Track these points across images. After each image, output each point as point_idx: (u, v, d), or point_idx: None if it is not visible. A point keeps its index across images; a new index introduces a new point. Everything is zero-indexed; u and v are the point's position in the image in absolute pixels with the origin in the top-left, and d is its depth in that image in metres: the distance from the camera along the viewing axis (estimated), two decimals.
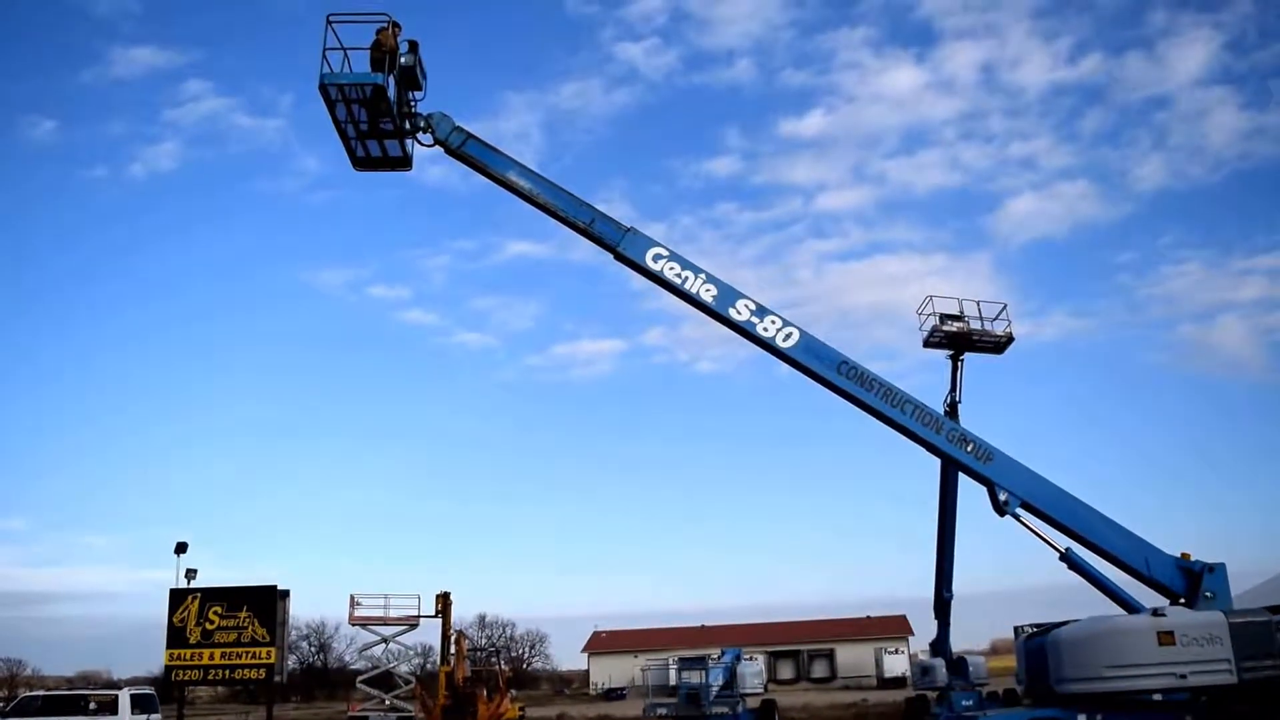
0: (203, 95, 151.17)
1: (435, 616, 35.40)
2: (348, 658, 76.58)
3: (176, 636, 32.77)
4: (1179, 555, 17.11)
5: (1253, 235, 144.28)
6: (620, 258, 17.58)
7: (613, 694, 69.80)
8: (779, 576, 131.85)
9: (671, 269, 17.45)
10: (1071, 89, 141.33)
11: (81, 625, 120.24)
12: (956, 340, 23.02)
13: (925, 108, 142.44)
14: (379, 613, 37.54)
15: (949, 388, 23.39)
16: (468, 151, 17.67)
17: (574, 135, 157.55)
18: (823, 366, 17.38)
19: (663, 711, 31.09)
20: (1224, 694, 15.89)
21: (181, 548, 34.75)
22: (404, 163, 18.49)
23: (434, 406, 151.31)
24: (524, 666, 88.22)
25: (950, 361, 23.44)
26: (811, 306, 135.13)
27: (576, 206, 17.69)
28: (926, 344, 23.14)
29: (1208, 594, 16.49)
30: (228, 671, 32.91)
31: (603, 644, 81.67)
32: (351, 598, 37.48)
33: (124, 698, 26.60)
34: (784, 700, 41.76)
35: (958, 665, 24.63)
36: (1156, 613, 16.23)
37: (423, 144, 17.95)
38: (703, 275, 17.48)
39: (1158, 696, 16.28)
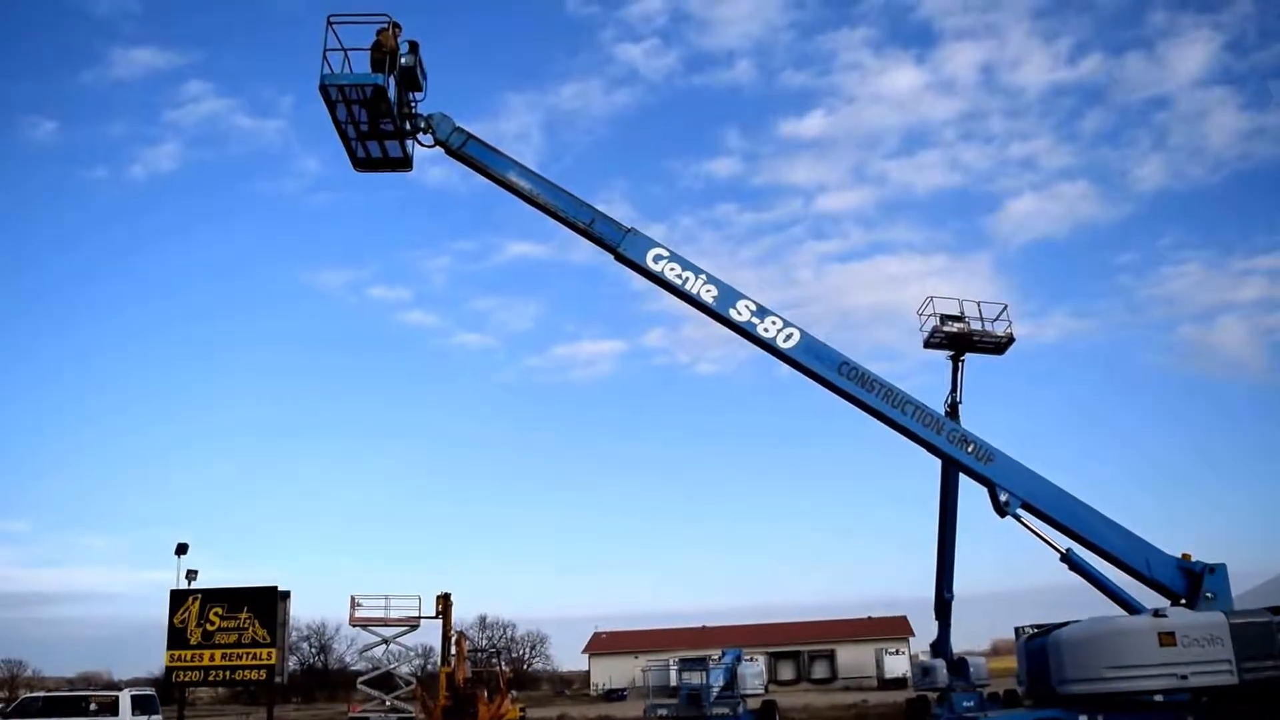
0: (203, 96, 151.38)
1: (436, 617, 35.38)
2: (348, 659, 76.52)
3: (177, 637, 32.76)
4: (1180, 556, 17.12)
5: (1253, 236, 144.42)
6: (621, 258, 17.59)
7: (613, 695, 69.79)
8: (780, 577, 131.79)
9: (672, 270, 17.46)
10: (1071, 89, 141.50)
11: (82, 626, 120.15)
12: (957, 341, 23.01)
13: (925, 108, 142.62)
14: (379, 614, 37.53)
15: (949, 388, 23.38)
16: (468, 152, 17.68)
17: (574, 136, 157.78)
18: (823, 367, 17.39)
19: (663, 712, 31.09)
20: (1225, 695, 15.90)
21: (182, 549, 34.77)
22: (404, 163, 18.51)
23: (434, 407, 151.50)
24: (524, 667, 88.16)
25: (951, 362, 23.42)
26: (812, 307, 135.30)
27: (577, 207, 17.70)
28: (927, 345, 23.13)
29: (1208, 595, 16.50)
30: (228, 672, 32.89)
31: (603, 645, 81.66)
32: (352, 599, 37.49)
33: (124, 699, 26.60)
34: (784, 701, 41.75)
35: (958, 666, 24.60)
36: (1157, 613, 16.25)
37: (423, 145, 17.97)
38: (703, 276, 17.48)
39: (1159, 697, 16.30)
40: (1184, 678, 15.53)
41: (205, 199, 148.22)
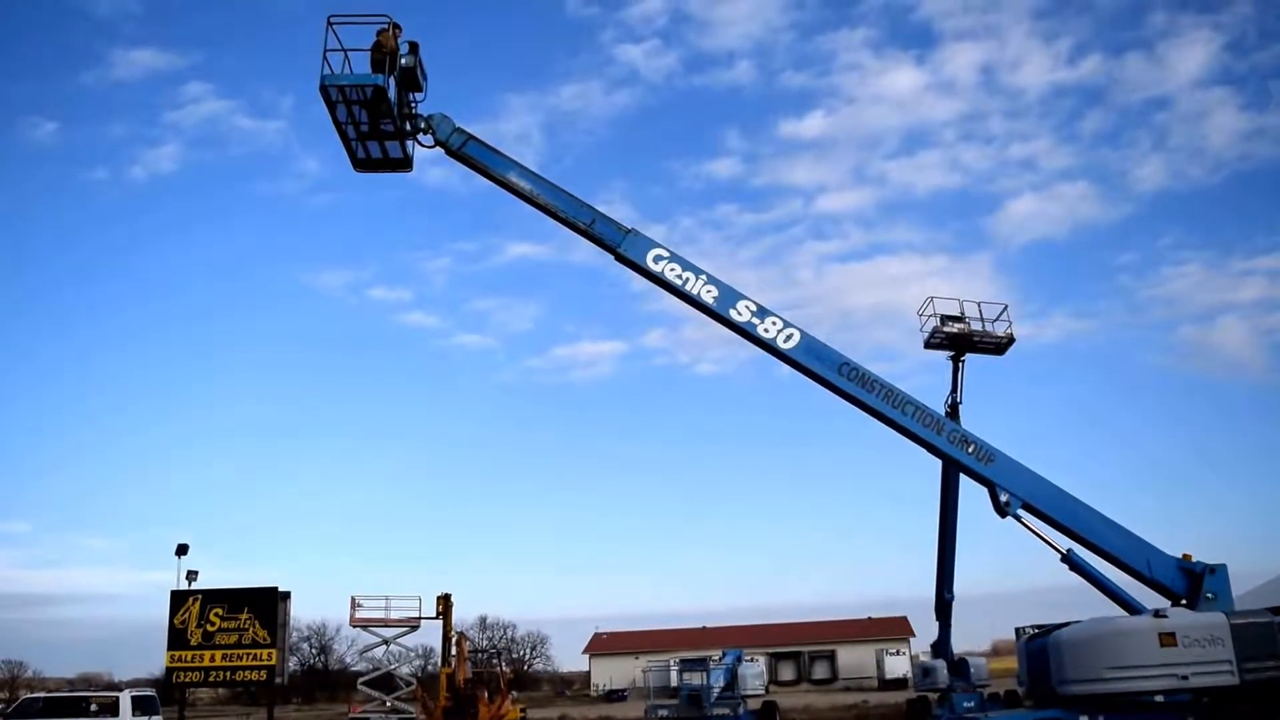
0: (203, 97, 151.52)
1: (436, 618, 35.43)
2: (349, 659, 76.62)
3: (177, 638, 32.79)
4: (1180, 556, 17.10)
5: (1253, 236, 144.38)
6: (621, 259, 17.59)
7: (614, 695, 69.80)
8: (780, 578, 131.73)
9: (672, 270, 17.45)
10: (1071, 90, 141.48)
11: (82, 627, 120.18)
12: (957, 341, 23.01)
13: (925, 109, 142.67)
14: (380, 614, 37.59)
15: (950, 389, 23.39)
16: (468, 153, 17.68)
17: (574, 137, 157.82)
18: (824, 368, 17.38)
19: (664, 713, 31.10)
20: (1226, 695, 15.88)
21: (182, 549, 34.80)
22: (404, 164, 18.51)
23: (434, 408, 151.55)
24: (525, 668, 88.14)
25: (951, 363, 23.43)
26: (812, 308, 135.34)
27: (577, 208, 17.70)
28: (927, 345, 23.13)
29: (1209, 595, 16.48)
30: (229, 673, 32.93)
31: (604, 645, 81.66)
32: (352, 599, 37.54)
33: (125, 699, 26.59)
34: (785, 702, 41.75)
35: (959, 666, 24.59)
36: (1158, 614, 16.23)
37: (423, 145, 17.97)
38: (704, 276, 17.48)
39: (1159, 698, 16.29)
40: (1185, 678, 15.51)
41: (205, 200, 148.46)
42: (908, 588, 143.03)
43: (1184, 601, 16.71)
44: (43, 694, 30.90)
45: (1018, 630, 20.01)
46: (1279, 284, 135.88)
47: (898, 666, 65.52)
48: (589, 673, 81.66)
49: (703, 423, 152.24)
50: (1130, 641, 15.87)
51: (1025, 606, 74.14)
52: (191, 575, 34.12)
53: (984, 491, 17.59)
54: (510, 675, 42.09)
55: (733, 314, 17.36)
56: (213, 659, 32.52)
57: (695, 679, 31.02)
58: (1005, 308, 23.15)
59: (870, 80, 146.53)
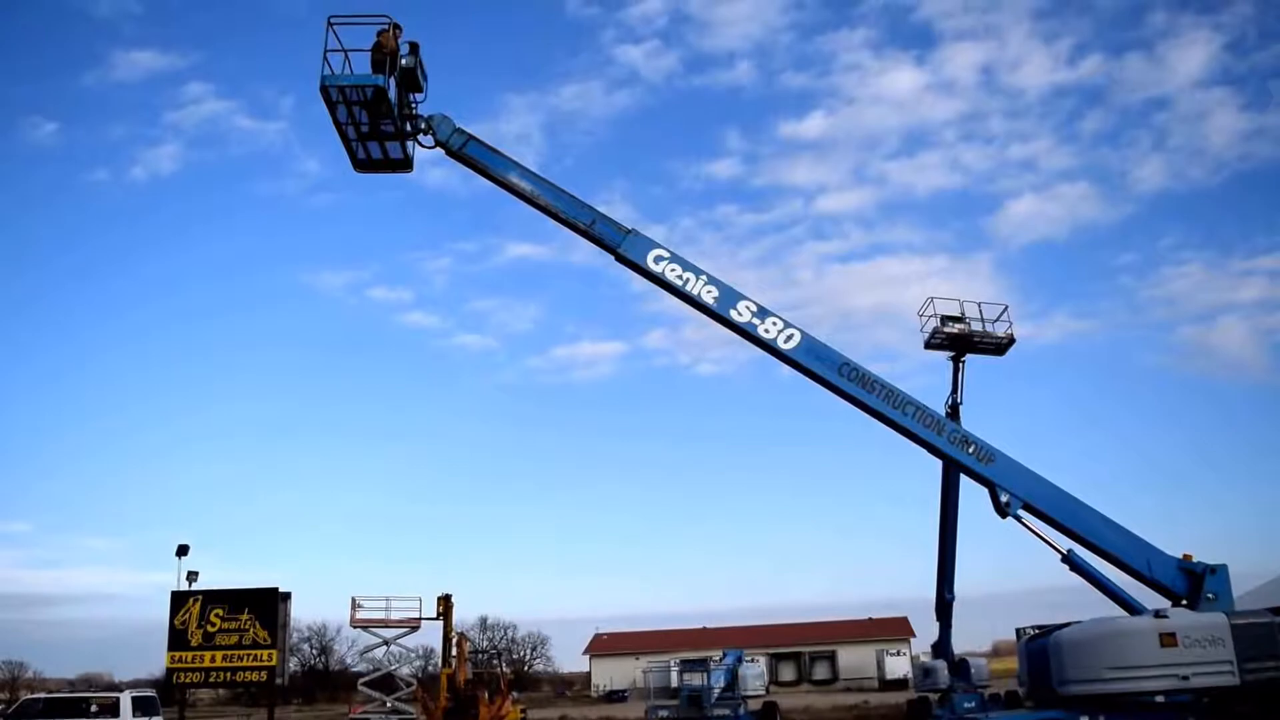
0: (203, 97, 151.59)
1: (436, 619, 35.41)
2: (349, 660, 76.55)
3: (178, 639, 32.77)
4: (1181, 556, 17.10)
5: (1253, 236, 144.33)
6: (621, 259, 17.59)
7: (614, 696, 69.79)
8: (780, 578, 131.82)
9: (673, 271, 17.46)
10: (1071, 90, 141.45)
11: (83, 628, 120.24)
12: (958, 342, 23.02)
13: (925, 109, 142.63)
14: (380, 615, 37.53)
15: (950, 389, 23.40)
16: (469, 153, 17.69)
17: (575, 137, 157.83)
18: (824, 368, 17.38)
19: (664, 714, 31.08)
20: (1226, 695, 15.88)
21: (183, 550, 34.76)
22: (405, 164, 18.52)
23: (435, 408, 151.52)
24: (525, 669, 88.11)
25: (951, 363, 23.44)
26: (812, 308, 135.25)
27: (577, 208, 17.71)
28: (928, 345, 23.14)
29: (1210, 595, 16.48)
30: (229, 674, 32.91)
31: (604, 646, 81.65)
32: (353, 600, 37.50)
33: (125, 700, 26.57)
34: (786, 702, 41.73)
35: (959, 667, 24.57)
36: (1158, 614, 16.23)
37: (424, 146, 17.99)
38: (704, 277, 17.48)
39: (1160, 698, 16.30)
40: (1185, 679, 15.51)
41: (206, 200, 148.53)
42: (908, 588, 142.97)
43: (1184, 602, 16.70)
44: (43, 695, 30.87)
45: (1018, 631, 20.07)
46: (1279, 284, 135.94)
47: (898, 667, 65.50)
48: (589, 673, 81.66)
49: (703, 423, 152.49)
50: (1131, 642, 15.87)
51: (1026, 607, 74.21)
52: (192, 576, 34.11)
53: (984, 492, 17.59)
54: (511, 676, 42.13)
55: (733, 314, 17.36)
56: (213, 660, 32.51)
57: (696, 680, 30.98)
58: (1005, 308, 23.19)
59: (870, 80, 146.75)
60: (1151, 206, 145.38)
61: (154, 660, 50.72)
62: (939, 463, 20.52)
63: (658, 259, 17.48)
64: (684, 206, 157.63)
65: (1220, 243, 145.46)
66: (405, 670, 41.41)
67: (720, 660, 34.15)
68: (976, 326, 22.88)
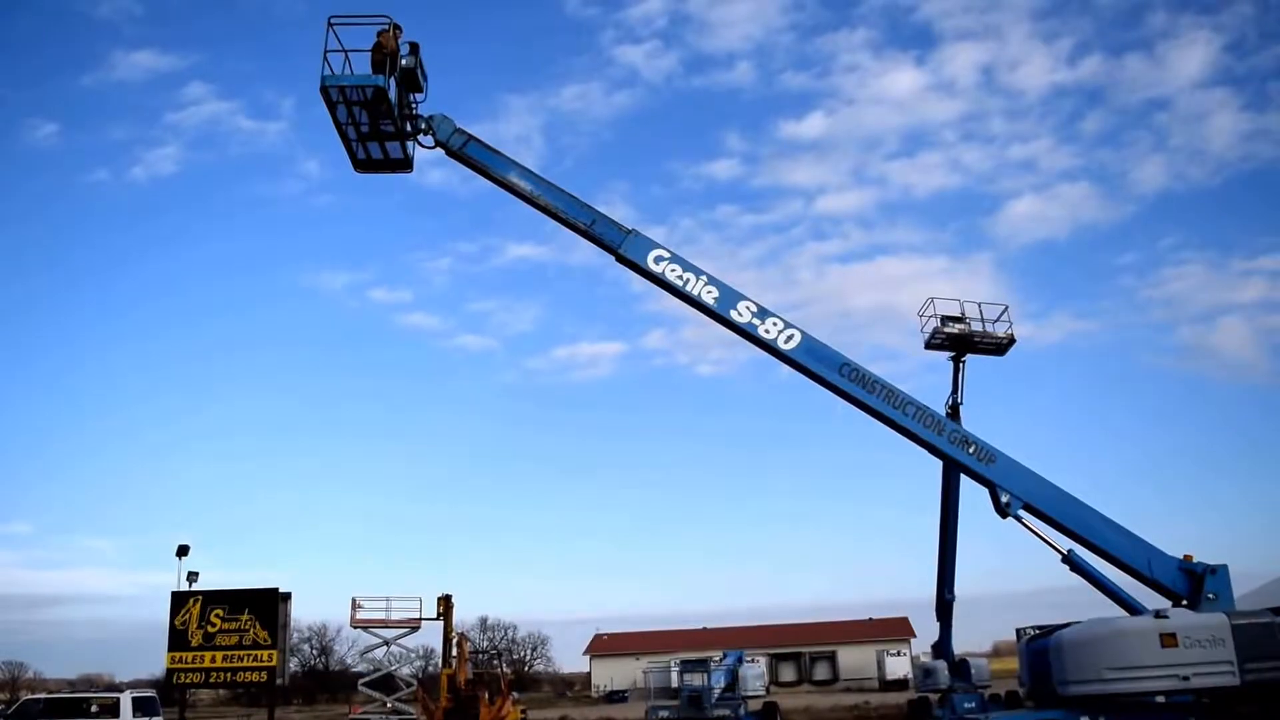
0: (204, 99, 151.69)
1: (437, 619, 35.40)
2: (349, 660, 76.56)
3: (178, 639, 32.76)
4: (1181, 557, 17.10)
5: (1254, 237, 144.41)
6: (622, 260, 17.60)
7: (615, 696, 69.77)
8: (781, 578, 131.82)
9: (673, 271, 17.47)
10: (1072, 91, 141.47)
11: (83, 628, 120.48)
12: (958, 342, 22.96)
13: (925, 110, 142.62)
14: (380, 615, 37.52)
15: (951, 389, 23.34)
16: (469, 154, 17.70)
17: (575, 138, 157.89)
18: (824, 368, 17.38)
19: (665, 714, 31.03)
20: (1227, 696, 15.88)
21: (183, 551, 34.75)
22: (405, 165, 18.54)
23: (435, 409, 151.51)
24: (526, 669, 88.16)
25: (952, 363, 23.38)
26: (812, 309, 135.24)
27: (578, 208, 17.71)
28: (928, 346, 23.09)
29: (1210, 595, 16.48)
30: (229, 674, 32.89)
31: (604, 646, 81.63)
32: (353, 600, 37.48)
33: (125, 701, 26.56)
34: (786, 703, 41.72)
35: (960, 667, 24.51)
36: (1159, 614, 16.23)
37: (424, 146, 18.01)
38: (704, 277, 17.49)
39: (1160, 698, 16.32)
40: (1186, 679, 15.51)
41: (206, 201, 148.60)
42: (909, 588, 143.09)
43: (1185, 602, 16.71)
44: (43, 695, 30.86)
45: (1019, 631, 20.01)
46: (1279, 285, 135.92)
47: (899, 667, 65.47)
48: (590, 674, 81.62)
49: (703, 423, 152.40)
50: (1131, 642, 15.88)
51: (1026, 607, 74.08)
52: (192, 576, 34.09)
53: (985, 492, 17.60)
54: (511, 676, 42.10)
55: (733, 315, 17.36)
56: (213, 660, 32.49)
57: (696, 680, 30.93)
58: (1006, 308, 23.10)
59: (870, 81, 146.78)
60: (1152, 207, 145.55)
61: (154, 661, 50.87)
62: (939, 463, 20.50)
63: (658, 259, 17.48)
64: (684, 207, 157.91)
65: (1221, 243, 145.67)
66: (406, 671, 41.39)
67: (720, 661, 34.14)
68: (977, 327, 22.82)
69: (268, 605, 32.92)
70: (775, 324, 17.41)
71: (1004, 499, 17.12)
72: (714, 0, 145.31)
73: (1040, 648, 17.67)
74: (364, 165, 18.69)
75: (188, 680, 32.93)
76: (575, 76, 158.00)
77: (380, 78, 16.88)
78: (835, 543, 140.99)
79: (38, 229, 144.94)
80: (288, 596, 34.18)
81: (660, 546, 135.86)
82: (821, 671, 74.95)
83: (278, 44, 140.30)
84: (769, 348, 17.45)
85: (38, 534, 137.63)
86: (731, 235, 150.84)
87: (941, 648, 25.25)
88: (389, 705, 37.91)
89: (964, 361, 23.32)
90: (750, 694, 34.11)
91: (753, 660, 38.78)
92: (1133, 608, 16.90)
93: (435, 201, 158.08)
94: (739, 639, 65.89)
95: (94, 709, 26.68)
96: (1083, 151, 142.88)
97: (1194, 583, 16.73)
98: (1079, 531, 17.13)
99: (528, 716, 37.20)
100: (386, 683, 40.02)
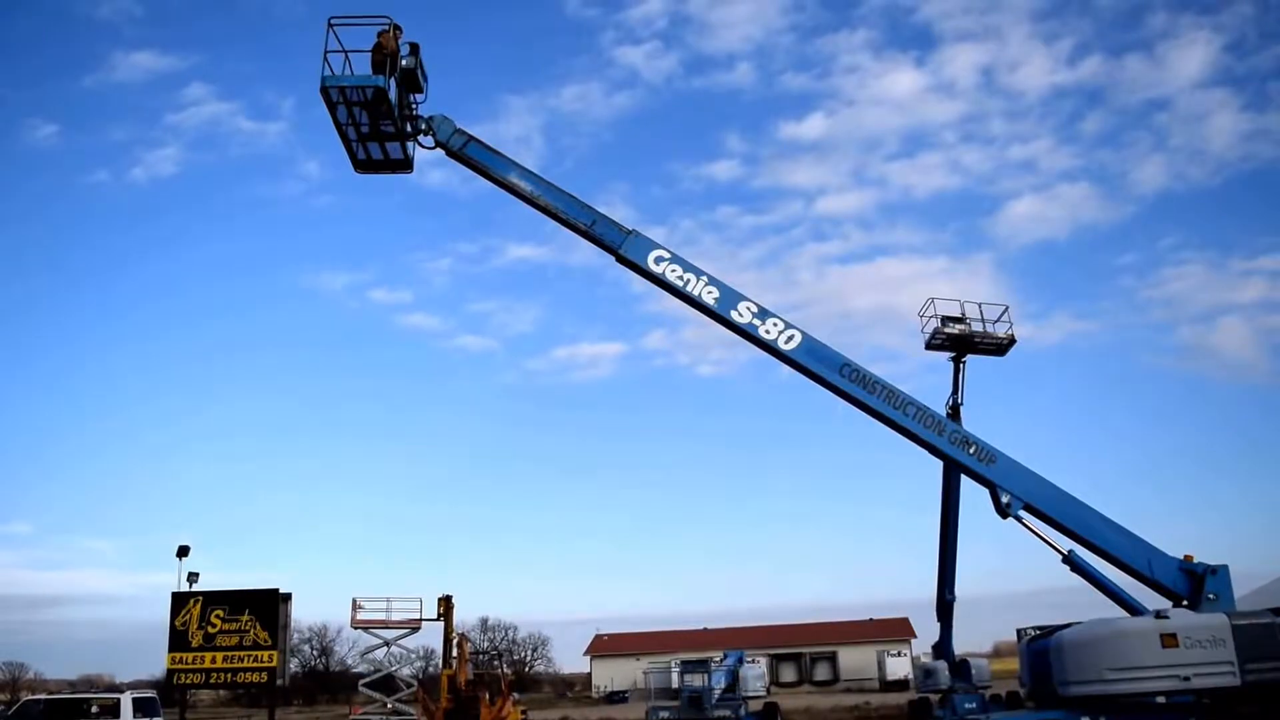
0: (204, 99, 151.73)
1: (437, 620, 35.41)
2: (350, 661, 76.50)
3: (179, 640, 32.76)
4: (1182, 557, 17.09)
5: (1254, 237, 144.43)
6: (622, 260, 17.60)
7: (615, 697, 69.74)
8: (781, 579, 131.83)
9: (674, 271, 17.47)
10: (1072, 91, 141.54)
11: (84, 629, 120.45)
12: (958, 342, 22.96)
13: (926, 110, 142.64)
14: (381, 616, 37.55)
15: (951, 390, 23.34)
16: (469, 154, 17.71)
17: (575, 139, 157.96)
18: (825, 369, 17.39)
19: (665, 715, 31.00)
20: (1227, 696, 15.87)
21: (184, 551, 34.76)
22: (405, 165, 18.55)
23: (435, 409, 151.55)
24: (526, 669, 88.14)
25: (952, 364, 23.38)
26: (813, 309, 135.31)
27: (578, 209, 17.72)
28: (928, 346, 23.09)
29: (1211, 596, 16.48)
30: (230, 675, 32.89)
31: (605, 647, 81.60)
32: (353, 601, 37.52)
33: (126, 701, 26.56)
34: (787, 703, 41.70)
35: (960, 668, 24.51)
36: (1159, 615, 16.23)
37: (424, 146, 18.02)
38: (705, 278, 17.49)
39: (1161, 699, 16.30)
40: (1186, 679, 15.50)
41: (206, 202, 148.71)
42: (909, 589, 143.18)
43: (1185, 602, 16.70)
44: (44, 696, 30.87)
45: (1019, 631, 20.02)
46: (1279, 285, 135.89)
47: (899, 668, 65.43)
48: (590, 674, 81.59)
49: (703, 424, 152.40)
50: (1132, 643, 15.88)
51: (1027, 607, 74.32)
52: (193, 577, 34.10)
53: (985, 492, 17.60)
54: (511, 677, 42.11)
55: (734, 315, 17.36)
56: (214, 661, 32.49)
57: (696, 680, 30.91)
58: (1006, 309, 23.11)
59: (870, 82, 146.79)
60: (1152, 207, 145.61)
61: (154, 661, 50.90)
62: (940, 463, 20.50)
63: (659, 260, 17.48)
64: (684, 208, 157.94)
65: (1221, 243, 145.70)
66: (406, 671, 41.43)
67: (721, 661, 34.14)
68: (977, 327, 22.82)
69: (268, 606, 32.91)
70: (776, 324, 17.41)
71: (1004, 499, 17.12)
72: (714, 1, 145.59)
73: (1041, 648, 17.67)
74: (364, 166, 18.70)
75: (188, 681, 32.92)
76: (575, 77, 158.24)
77: (380, 78, 16.89)
78: (836, 543, 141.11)
79: (38, 230, 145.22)
80: (288, 597, 34.18)
81: (660, 547, 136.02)
82: (822, 672, 74.91)
83: (278, 45, 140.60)
84: (769, 348, 17.45)
85: (38, 534, 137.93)
86: (731, 236, 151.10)
87: (942, 648, 25.25)
88: (389, 706, 37.92)
89: (964, 362, 23.32)
90: (751, 694, 34.08)
91: (753, 661, 38.75)
92: (1133, 608, 16.89)
93: (435, 202, 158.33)
94: (739, 639, 65.83)
95: (94, 710, 26.68)
96: (1083, 152, 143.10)
97: (1194, 583, 16.73)
98: (1079, 532, 17.12)
99: (528, 717, 37.18)
100: (387, 683, 40.03)
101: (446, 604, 35.04)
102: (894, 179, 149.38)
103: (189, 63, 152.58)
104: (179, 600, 33.21)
